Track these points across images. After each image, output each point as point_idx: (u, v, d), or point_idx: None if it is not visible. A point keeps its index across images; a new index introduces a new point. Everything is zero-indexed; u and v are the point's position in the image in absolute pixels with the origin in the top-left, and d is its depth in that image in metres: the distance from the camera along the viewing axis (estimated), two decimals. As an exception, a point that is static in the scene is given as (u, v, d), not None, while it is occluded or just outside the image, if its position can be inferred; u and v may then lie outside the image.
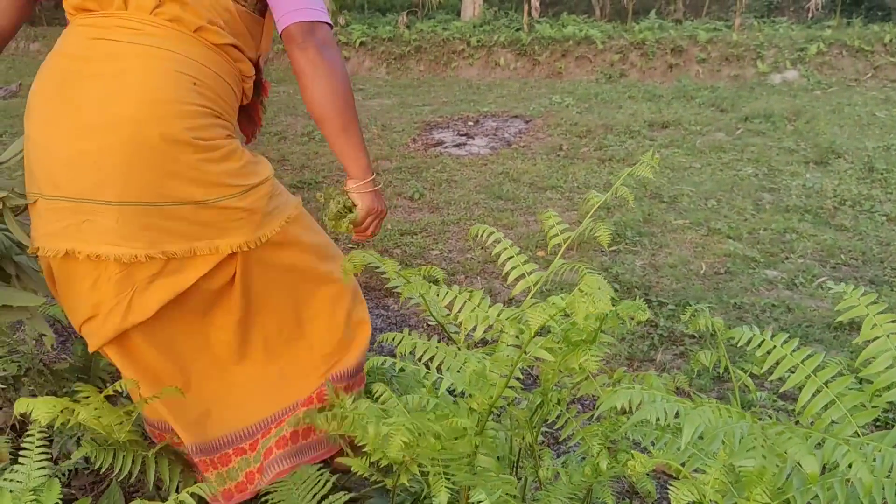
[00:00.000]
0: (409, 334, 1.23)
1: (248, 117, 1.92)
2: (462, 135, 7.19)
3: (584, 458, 1.24)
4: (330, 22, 1.60)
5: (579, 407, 2.86)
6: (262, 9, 1.68)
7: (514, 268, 1.32)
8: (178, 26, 1.55)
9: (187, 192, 1.54)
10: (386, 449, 1.02)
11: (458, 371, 1.10)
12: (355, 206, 1.71)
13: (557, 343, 1.06)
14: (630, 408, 0.79)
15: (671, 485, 0.84)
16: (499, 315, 1.10)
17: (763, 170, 5.89)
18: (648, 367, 3.12)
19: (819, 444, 0.68)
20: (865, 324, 0.93)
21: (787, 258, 4.29)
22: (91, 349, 1.64)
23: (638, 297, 3.69)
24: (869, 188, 5.40)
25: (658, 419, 0.74)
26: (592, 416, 1.26)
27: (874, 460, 0.69)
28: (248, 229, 1.64)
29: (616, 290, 3.83)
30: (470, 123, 7.66)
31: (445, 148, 6.76)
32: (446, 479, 1.01)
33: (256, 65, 1.76)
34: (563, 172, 5.80)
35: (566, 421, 1.24)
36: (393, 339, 1.26)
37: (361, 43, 11.94)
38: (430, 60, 11.57)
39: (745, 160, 6.17)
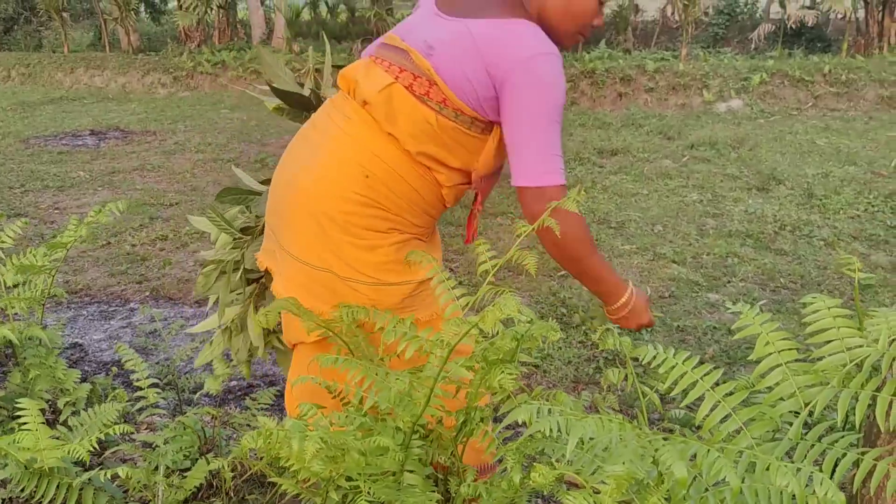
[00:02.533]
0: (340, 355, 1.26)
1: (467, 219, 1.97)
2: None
3: (502, 473, 1.27)
4: (562, 182, 1.63)
5: (508, 429, 2.89)
6: (483, 128, 1.70)
7: (444, 291, 1.36)
8: (377, 124, 1.68)
9: (330, 261, 1.70)
10: (309, 464, 1.04)
11: (382, 390, 1.14)
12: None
13: (479, 362, 1.10)
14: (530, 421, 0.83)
15: (568, 494, 0.87)
16: (429, 339, 1.14)
17: (707, 196, 6.04)
18: (594, 390, 3.17)
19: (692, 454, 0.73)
20: (759, 341, 0.99)
21: (728, 282, 4.40)
22: (292, 370, 1.88)
23: (584, 321, 3.76)
24: (808, 213, 5.57)
25: (552, 431, 0.78)
26: (500, 426, 1.29)
27: (748, 468, 0.73)
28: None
29: (563, 314, 3.89)
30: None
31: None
32: (368, 494, 1.04)
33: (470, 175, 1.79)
34: (513, 199, 5.87)
35: (489, 439, 1.27)
36: (324, 361, 1.29)
37: (317, 70, 11.96)
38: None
39: (690, 186, 6.32)
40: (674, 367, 1.04)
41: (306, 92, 2.13)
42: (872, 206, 5.72)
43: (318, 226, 1.69)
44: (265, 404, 2.01)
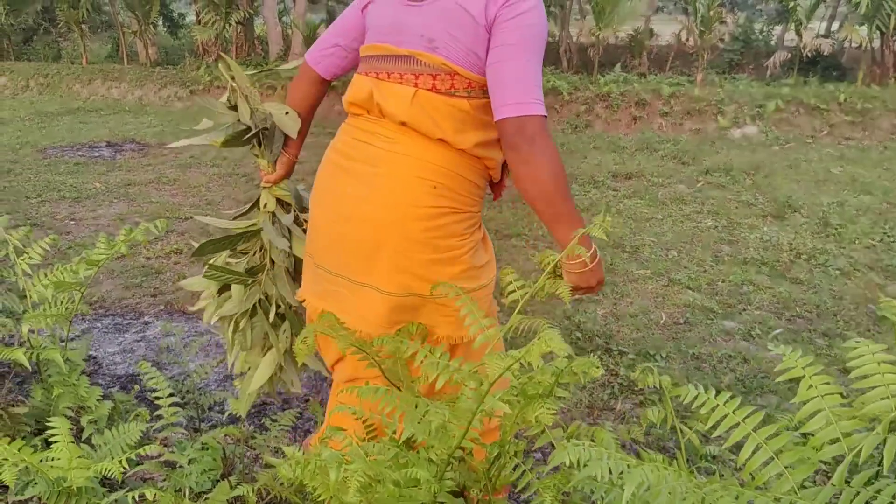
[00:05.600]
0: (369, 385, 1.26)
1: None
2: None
3: None
4: (543, 113, 1.65)
5: (538, 457, 2.88)
6: (486, 86, 1.73)
7: (474, 323, 1.36)
8: (424, 135, 1.71)
9: (414, 285, 1.73)
10: (345, 494, 1.04)
11: (419, 422, 1.13)
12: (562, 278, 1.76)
13: (515, 396, 1.10)
14: (579, 463, 0.83)
15: None
16: (459, 367, 1.13)
17: (722, 222, 6.03)
18: (608, 416, 3.15)
19: (750, 501, 0.72)
20: (802, 385, 0.98)
21: (744, 310, 4.38)
22: (334, 387, 1.94)
23: (599, 346, 3.75)
24: (824, 242, 5.55)
25: (604, 475, 0.77)
26: (547, 468, 1.29)
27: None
28: (455, 326, 1.78)
29: (578, 339, 3.88)
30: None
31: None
32: (404, 528, 1.04)
33: None
34: (528, 220, 5.88)
35: (522, 472, 1.27)
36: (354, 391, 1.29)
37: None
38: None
39: (705, 212, 6.31)
40: (715, 407, 1.03)
41: (245, 113, 2.05)
42: (888, 236, 5.69)
43: (397, 253, 1.71)
44: (286, 426, 2.01)
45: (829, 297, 4.61)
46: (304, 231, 2.13)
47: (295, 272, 2.16)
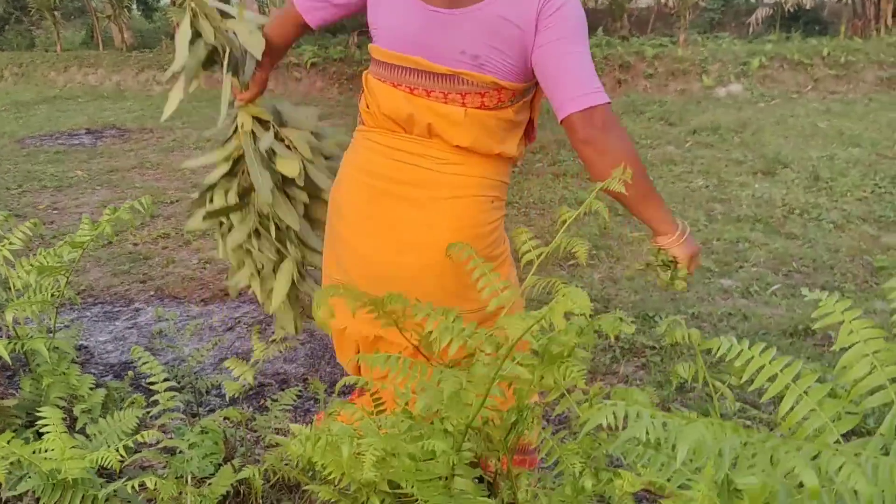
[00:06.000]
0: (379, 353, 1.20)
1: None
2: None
3: (557, 477, 1.21)
4: (607, 100, 1.58)
5: (553, 425, 2.84)
6: (527, 88, 1.70)
7: (487, 285, 1.30)
8: (480, 153, 1.67)
9: (479, 298, 1.62)
10: (358, 470, 0.99)
11: (433, 392, 1.08)
12: (675, 258, 1.70)
13: (534, 360, 1.04)
14: (616, 425, 0.77)
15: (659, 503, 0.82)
16: (474, 332, 1.08)
17: (713, 181, 5.99)
18: (611, 380, 3.12)
19: (814, 456, 0.67)
20: (842, 330, 0.93)
21: (740, 267, 4.35)
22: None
23: (598, 310, 3.70)
24: (815, 196, 5.52)
25: (652, 436, 0.72)
26: (573, 433, 1.23)
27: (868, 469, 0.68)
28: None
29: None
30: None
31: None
32: (423, 502, 0.99)
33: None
34: (519, 188, 5.82)
35: (542, 440, 1.22)
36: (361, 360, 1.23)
37: (312, 64, 11.88)
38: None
39: (695, 172, 6.27)
40: (750, 359, 0.98)
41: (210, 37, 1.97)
42: (879, 187, 5.67)
43: (463, 273, 1.62)
44: (287, 405, 1.95)
45: (825, 250, 4.58)
46: (288, 148, 2.09)
47: (284, 192, 2.12)
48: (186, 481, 1.54)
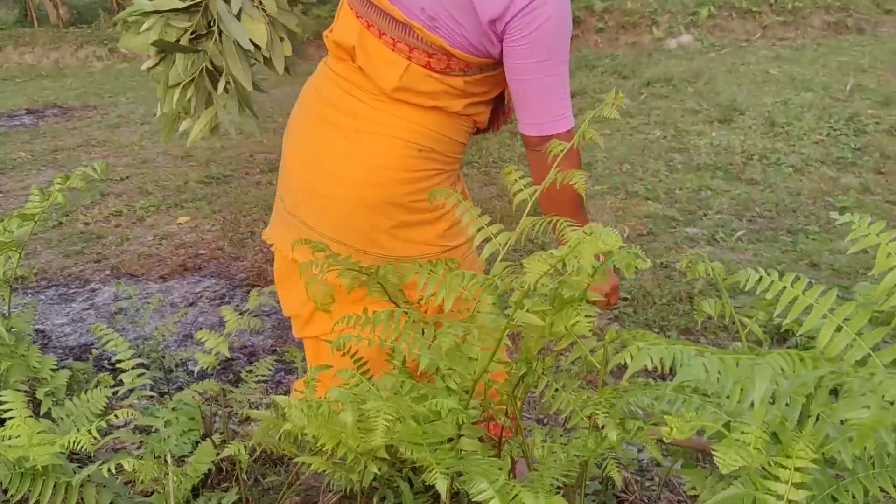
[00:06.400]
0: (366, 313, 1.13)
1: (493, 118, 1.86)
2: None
3: (569, 432, 1.16)
4: (568, 126, 1.54)
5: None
6: (485, 66, 1.60)
7: (479, 230, 1.23)
8: (414, 103, 1.60)
9: (390, 246, 1.65)
10: (363, 438, 0.92)
11: (429, 347, 1.01)
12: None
13: (545, 305, 0.98)
14: (662, 367, 0.72)
15: (714, 450, 0.77)
16: (471, 282, 1.01)
17: (671, 131, 5.97)
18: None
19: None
20: (880, 253, 0.88)
21: (704, 215, 4.35)
22: (294, 335, 1.87)
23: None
24: (773, 142, 5.54)
25: (709, 378, 0.66)
26: (626, 375, 1.16)
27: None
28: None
29: (544, 260, 3.80)
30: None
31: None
32: (435, 465, 0.92)
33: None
34: (477, 147, 5.74)
35: (554, 392, 1.15)
36: (348, 321, 1.16)
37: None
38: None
39: (652, 123, 6.25)
40: (782, 290, 0.93)
41: None
42: (835, 129, 5.71)
43: (378, 215, 1.63)
44: (262, 376, 1.87)
45: (787, 194, 4.61)
46: (259, 9, 2.00)
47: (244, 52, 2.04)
48: (166, 460, 1.46)
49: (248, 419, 2.11)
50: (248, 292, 3.79)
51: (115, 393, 1.72)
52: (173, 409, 1.61)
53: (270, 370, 1.90)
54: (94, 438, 1.27)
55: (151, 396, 2.17)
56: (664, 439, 0.83)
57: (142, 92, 9.15)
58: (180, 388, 2.68)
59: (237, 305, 3.59)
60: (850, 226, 0.91)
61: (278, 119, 7.09)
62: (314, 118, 1.71)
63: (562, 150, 1.29)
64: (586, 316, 0.93)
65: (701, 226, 4.21)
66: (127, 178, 5.61)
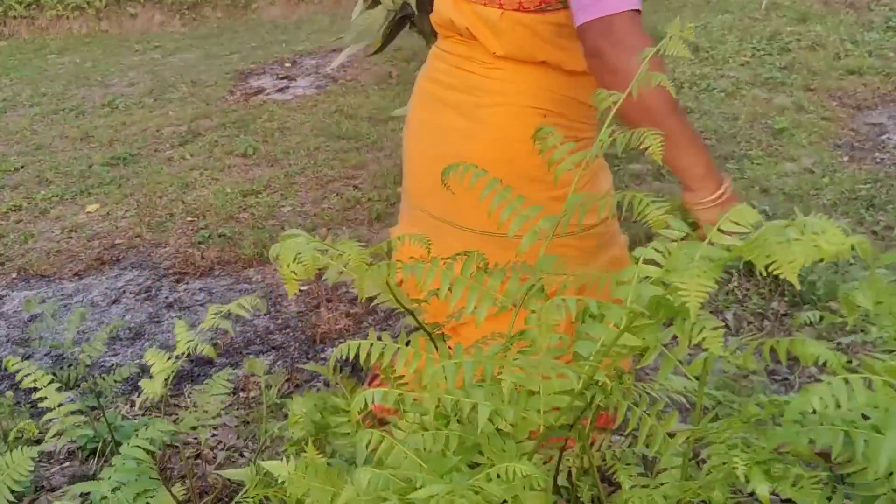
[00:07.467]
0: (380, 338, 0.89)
1: None
2: (282, 78, 6.65)
3: (629, 446, 0.95)
4: (632, 6, 1.26)
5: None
6: None
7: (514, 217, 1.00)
8: (521, 60, 1.46)
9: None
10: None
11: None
12: (697, 223, 1.36)
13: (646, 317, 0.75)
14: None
15: None
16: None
17: (596, 65, 5.81)
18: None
19: None
20: None
21: (646, 150, 4.21)
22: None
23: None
24: (700, 67, 5.45)
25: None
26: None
27: None
28: (575, 266, 1.43)
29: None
30: (287, 65, 7.11)
31: (268, 95, 6.22)
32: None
33: None
34: (401, 100, 5.46)
35: (639, 420, 0.93)
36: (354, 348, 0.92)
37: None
38: (227, 5, 10.70)
39: (576, 59, 6.07)
40: None
41: None
42: (759, 49, 5.65)
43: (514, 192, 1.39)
44: (219, 394, 1.60)
45: (723, 120, 4.51)
46: None
47: None
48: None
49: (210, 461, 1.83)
50: (177, 281, 3.48)
51: (38, 441, 1.44)
52: (122, 465, 1.33)
53: (226, 386, 1.62)
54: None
55: (86, 420, 1.88)
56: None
57: (26, 71, 8.46)
58: (126, 418, 2.38)
59: (165, 298, 3.29)
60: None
61: (181, 87, 6.65)
62: (429, 102, 1.62)
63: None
64: (713, 328, 0.71)
65: (643, 161, 4.08)
66: (22, 167, 5.12)
